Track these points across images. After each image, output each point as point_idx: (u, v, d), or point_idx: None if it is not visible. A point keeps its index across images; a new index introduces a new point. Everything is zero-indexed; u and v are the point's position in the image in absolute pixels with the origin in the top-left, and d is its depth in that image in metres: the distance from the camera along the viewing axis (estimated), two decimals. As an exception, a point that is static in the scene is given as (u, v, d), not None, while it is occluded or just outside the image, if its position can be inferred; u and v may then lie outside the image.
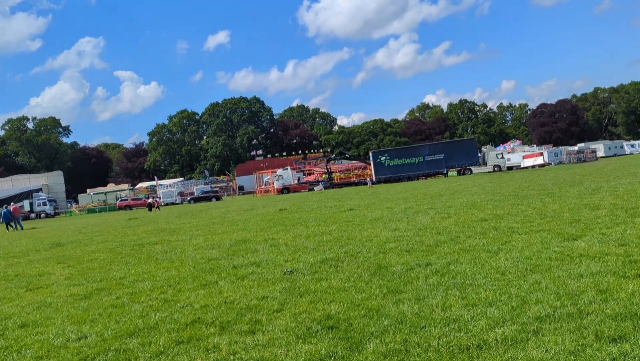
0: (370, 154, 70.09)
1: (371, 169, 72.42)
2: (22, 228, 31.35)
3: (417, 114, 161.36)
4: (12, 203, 40.28)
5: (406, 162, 66.84)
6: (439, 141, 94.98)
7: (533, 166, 68.44)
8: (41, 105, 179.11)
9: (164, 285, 7.37)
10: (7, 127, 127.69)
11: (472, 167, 65.00)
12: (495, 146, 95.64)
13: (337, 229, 12.03)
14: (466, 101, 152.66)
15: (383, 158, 67.43)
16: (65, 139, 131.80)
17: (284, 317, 5.08)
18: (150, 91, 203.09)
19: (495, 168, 64.57)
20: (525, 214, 11.19)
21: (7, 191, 72.44)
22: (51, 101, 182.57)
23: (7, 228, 31.63)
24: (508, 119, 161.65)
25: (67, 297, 7.26)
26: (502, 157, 66.62)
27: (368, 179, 62.80)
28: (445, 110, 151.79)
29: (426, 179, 65.01)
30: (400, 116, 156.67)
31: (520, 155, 76.32)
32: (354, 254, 8.33)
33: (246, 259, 8.96)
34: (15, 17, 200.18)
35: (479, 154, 68.30)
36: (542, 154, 71.85)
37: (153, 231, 18.07)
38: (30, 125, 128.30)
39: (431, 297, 5.28)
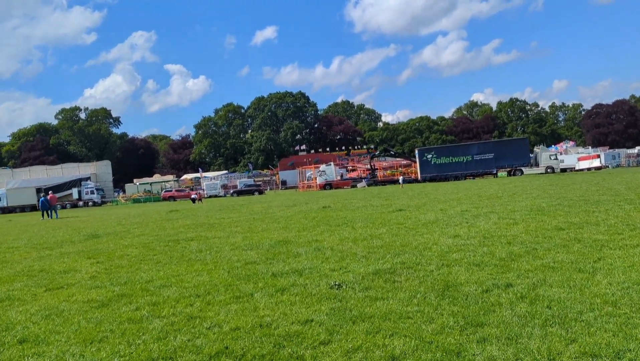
0: (417, 151, 68.11)
1: (415, 167, 70.59)
2: (57, 217, 31.81)
3: (465, 112, 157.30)
4: (50, 192, 41.10)
5: (454, 160, 64.63)
6: (489, 140, 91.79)
7: (589, 169, 64.89)
8: (94, 96, 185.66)
9: (192, 294, 6.38)
10: (60, 117, 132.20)
11: (523, 168, 62.14)
12: (547, 147, 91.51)
13: (387, 233, 10.81)
14: (517, 99, 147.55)
15: (430, 156, 65.40)
16: (115, 130, 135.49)
17: (334, 354, 3.94)
18: (198, 85, 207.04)
19: (548, 170, 61.48)
20: (608, 224, 9.66)
21: (57, 179, 74.49)
22: (104, 92, 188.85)
23: (43, 216, 32.21)
24: (560, 119, 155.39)
25: (83, 303, 6.37)
26: (556, 159, 63.35)
27: (400, 177, 60.78)
28: (494, 108, 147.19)
29: (474, 179, 62.66)
30: (447, 114, 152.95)
31: (575, 157, 72.64)
32: (412, 265, 7.11)
33: (287, 265, 7.89)
34: (72, 10, 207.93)
35: (531, 155, 65.20)
36: (598, 156, 68.12)
37: (191, 225, 17.33)
38: (82, 115, 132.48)
39: (526, 336, 4.03)
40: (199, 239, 12.81)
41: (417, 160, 66.46)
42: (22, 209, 66.16)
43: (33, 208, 66.89)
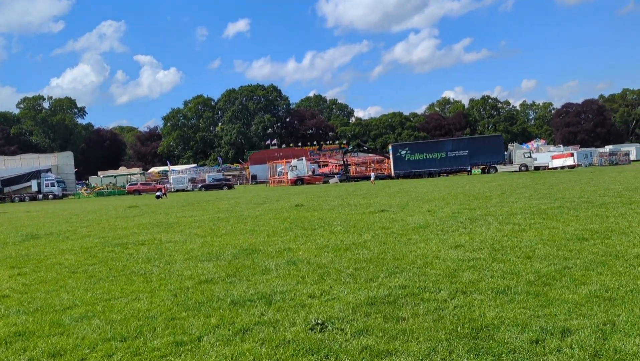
0: (390, 147, 66.94)
1: (389, 163, 69.45)
2: None
3: (437, 109, 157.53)
4: None
5: (428, 157, 63.67)
6: (463, 137, 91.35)
7: (562, 167, 64.86)
8: (61, 86, 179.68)
9: (117, 335, 4.55)
10: (22, 106, 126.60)
11: (497, 166, 61.58)
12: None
13: (374, 241, 9.12)
14: (488, 97, 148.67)
15: (403, 152, 64.28)
16: (80, 120, 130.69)
17: None
18: (169, 77, 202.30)
19: (522, 168, 61.02)
20: (636, 232, 8.18)
21: (16, 170, 70.50)
22: (71, 82, 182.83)
23: None
24: (531, 117, 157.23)
25: (-42, 349, 4.47)
26: (530, 157, 62.91)
27: (372, 173, 59.24)
28: (466, 106, 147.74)
29: (447, 176, 61.88)
30: (419, 111, 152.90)
31: (548, 155, 72.76)
32: (417, 291, 5.43)
33: (252, 286, 6.12)
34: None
35: (505, 153, 64.76)
36: (572, 154, 68.18)
37: (147, 224, 15.34)
38: (46, 105, 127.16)
39: None
40: (150, 244, 10.90)
41: (391, 156, 65.26)
42: (-24, 201, 62.36)
43: (-12, 201, 63.18)
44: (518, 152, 63.44)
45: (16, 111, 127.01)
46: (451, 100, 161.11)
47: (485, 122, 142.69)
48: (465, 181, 34.68)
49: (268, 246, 9.17)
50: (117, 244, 11.20)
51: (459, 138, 75.51)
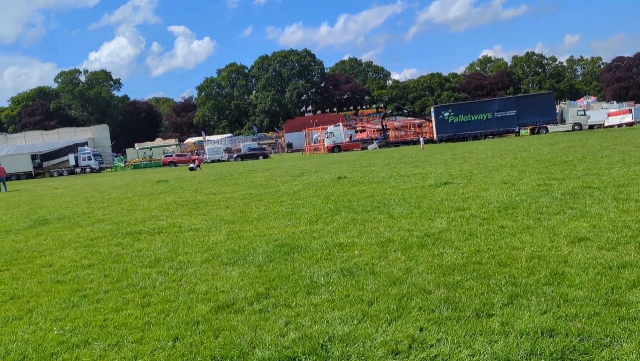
0: (432, 109, 63.44)
1: (431, 126, 66.14)
2: (5, 190, 29.05)
3: (478, 68, 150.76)
4: None
5: (473, 118, 60.10)
6: (511, 96, 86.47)
7: (620, 125, 60.23)
8: (99, 60, 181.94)
9: None
10: (59, 80, 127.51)
11: (547, 126, 57.57)
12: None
13: (453, 230, 6.79)
14: (533, 53, 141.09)
15: (447, 114, 60.83)
16: (116, 93, 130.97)
17: None
18: (203, 46, 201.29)
19: (575, 127, 56.80)
20: None
21: (54, 145, 70.69)
22: (109, 56, 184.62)
23: None
24: (578, 73, 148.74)
25: None
26: (584, 115, 58.41)
27: (421, 137, 55.76)
28: (509, 64, 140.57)
29: (493, 138, 58.40)
30: (458, 71, 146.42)
31: (603, 112, 67.80)
32: (586, 347, 3.13)
33: (293, 321, 3.96)
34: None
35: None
36: (630, 111, 63.14)
37: (171, 204, 13.40)
38: (82, 78, 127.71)
39: None
40: (167, 233, 8.88)
41: (433, 119, 61.96)
42: (18, 176, 62.87)
43: (29, 175, 63.62)
44: (571, 111, 59.03)
45: (54, 86, 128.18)
46: (492, 58, 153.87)
47: (529, 80, 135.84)
48: (521, 142, 31.52)
49: (311, 240, 6.95)
50: (128, 233, 9.25)
51: (507, 97, 71.10)
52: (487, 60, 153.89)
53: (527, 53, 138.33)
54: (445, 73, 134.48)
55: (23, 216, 13.82)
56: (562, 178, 10.86)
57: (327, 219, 8.56)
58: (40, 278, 6.40)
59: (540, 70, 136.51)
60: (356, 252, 6.02)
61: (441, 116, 60.81)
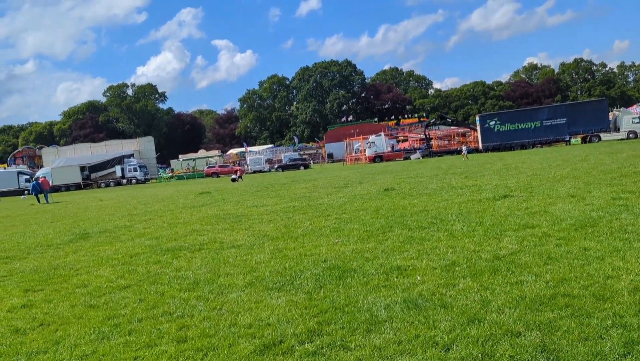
0: (477, 118, 61.70)
1: (475, 136, 64.38)
2: (47, 202, 29.83)
3: (523, 76, 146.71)
4: (41, 175, 39.77)
5: (520, 127, 58.03)
6: (561, 103, 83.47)
7: (680, 134, 56.82)
8: (146, 74, 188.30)
9: None
10: (108, 94, 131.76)
11: (600, 134, 54.95)
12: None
13: (527, 252, 5.95)
14: (581, 59, 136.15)
15: (492, 123, 58.95)
16: (161, 106, 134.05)
17: None
18: (245, 59, 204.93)
19: (630, 135, 53.96)
20: None
21: (102, 156, 72.59)
22: (155, 70, 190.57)
23: (38, 200, 30.38)
24: (630, 80, 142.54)
25: None
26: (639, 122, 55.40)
27: (464, 147, 53.77)
28: (556, 71, 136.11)
29: (542, 147, 56.15)
30: (501, 80, 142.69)
31: (660, 120, 64.24)
32: None
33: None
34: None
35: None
36: (691, 118, 59.51)
37: (212, 218, 12.96)
38: (129, 92, 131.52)
39: None
40: (208, 250, 8.37)
41: (478, 127, 60.19)
42: (67, 187, 64.70)
43: (77, 187, 65.36)
44: (625, 118, 56.15)
45: (103, 100, 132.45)
46: (538, 66, 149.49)
47: (578, 87, 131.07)
48: (576, 151, 29.86)
49: (364, 261, 6.25)
50: (168, 249, 8.79)
51: (556, 105, 68.55)
52: (532, 67, 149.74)
53: (575, 59, 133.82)
54: (488, 81, 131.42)
55: (66, 229, 13.68)
56: (637, 191, 9.77)
57: (379, 236, 7.84)
58: (73, 300, 5.95)
59: (589, 77, 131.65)
60: (418, 278, 5.29)
61: (487, 125, 59.04)
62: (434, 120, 78.10)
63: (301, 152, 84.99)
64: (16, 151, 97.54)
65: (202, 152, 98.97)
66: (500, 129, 58.43)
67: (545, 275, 4.94)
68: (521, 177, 15.48)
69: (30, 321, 5.27)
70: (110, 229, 12.63)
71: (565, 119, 56.41)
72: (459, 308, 4.22)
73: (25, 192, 34.80)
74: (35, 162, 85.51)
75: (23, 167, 76.47)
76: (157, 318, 4.91)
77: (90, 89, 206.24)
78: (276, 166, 65.91)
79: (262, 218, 11.79)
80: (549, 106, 64.67)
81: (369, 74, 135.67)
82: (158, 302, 5.46)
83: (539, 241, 6.48)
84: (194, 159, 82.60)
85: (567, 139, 56.70)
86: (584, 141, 56.32)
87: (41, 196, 30.62)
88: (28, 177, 65.45)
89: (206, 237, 9.83)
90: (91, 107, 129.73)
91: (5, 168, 79.07)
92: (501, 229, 7.46)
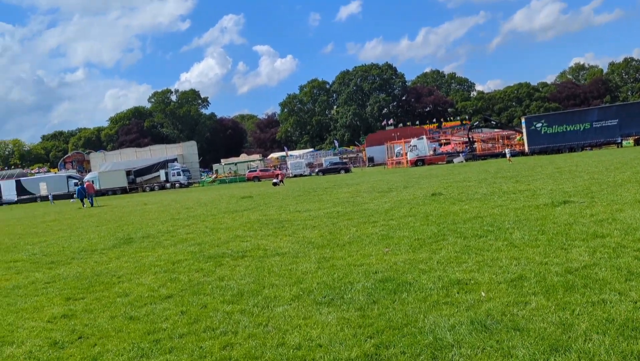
0: (523, 120, 59.87)
1: (522, 137, 62.43)
2: (92, 205, 30.55)
3: (570, 77, 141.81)
4: (86, 180, 41.13)
5: (568, 129, 55.90)
6: (613, 104, 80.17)
7: None
8: (189, 80, 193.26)
9: None
10: (153, 100, 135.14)
11: (655, 136, 52.33)
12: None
13: (605, 265, 5.33)
14: (632, 59, 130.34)
15: (539, 125, 57.07)
16: (204, 111, 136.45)
17: None
18: (286, 64, 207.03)
19: (687, 138, 51.14)
20: None
21: (146, 161, 74.28)
22: (198, 76, 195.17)
23: (83, 204, 31.10)
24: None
25: None
26: (697, 124, 52.42)
27: (507, 150, 51.80)
28: (605, 71, 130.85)
29: (591, 149, 53.89)
30: (546, 81, 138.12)
31: None
32: None
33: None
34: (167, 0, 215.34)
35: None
36: None
37: (255, 223, 12.71)
38: (173, 98, 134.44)
39: None
40: (251, 258, 8.06)
41: (524, 130, 58.35)
42: (114, 191, 66.40)
43: (123, 191, 66.98)
44: (682, 120, 53.23)
45: (148, 105, 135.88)
46: (586, 66, 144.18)
47: (628, 87, 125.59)
48: (632, 154, 28.32)
49: (419, 274, 5.77)
50: (211, 256, 8.54)
51: (607, 106, 65.82)
52: (579, 68, 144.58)
53: (625, 59, 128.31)
54: (533, 83, 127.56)
55: (110, 234, 13.71)
56: None
57: (433, 245, 7.34)
58: (113, 311, 5.73)
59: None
60: (482, 294, 4.78)
61: (533, 127, 57.22)
62: (477, 122, 76.29)
63: (341, 156, 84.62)
64: (66, 156, 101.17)
65: (243, 157, 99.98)
66: (548, 132, 56.49)
67: (631, 293, 4.36)
68: (578, 181, 14.58)
69: (69, 333, 5.05)
70: (153, 234, 12.55)
71: (617, 120, 54.09)
72: (536, 332, 3.71)
73: (74, 195, 35.95)
74: (83, 166, 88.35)
75: (72, 172, 79.06)
76: (200, 333, 4.59)
77: (137, 96, 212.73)
78: (317, 170, 65.75)
79: (306, 224, 11.44)
80: (599, 107, 62.12)
81: (409, 77, 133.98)
82: (200, 315, 5.15)
83: (614, 253, 5.84)
84: (236, 164, 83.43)
85: (619, 141, 54.24)
86: (636, 143, 53.76)
87: (86, 201, 31.45)
88: (77, 181, 67.66)
89: (249, 243, 9.55)
90: (137, 113, 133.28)
91: (55, 173, 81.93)
92: (567, 238, 6.83)
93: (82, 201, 31.43)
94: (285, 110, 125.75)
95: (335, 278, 6.03)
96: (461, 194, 14.43)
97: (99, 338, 4.81)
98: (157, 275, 7.55)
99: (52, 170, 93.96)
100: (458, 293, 4.91)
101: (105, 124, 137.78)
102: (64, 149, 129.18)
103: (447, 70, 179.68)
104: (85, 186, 32.16)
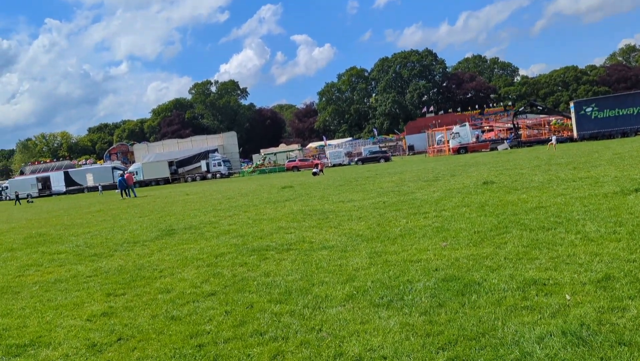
0: (572, 105, 57.38)
1: (569, 123, 59.91)
2: (135, 196, 30.99)
3: (620, 59, 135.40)
4: (126, 171, 41.89)
5: (621, 113, 53.28)
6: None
7: None
8: (229, 72, 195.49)
9: None
10: (193, 92, 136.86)
11: None
12: None
13: None
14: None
15: (589, 109, 54.53)
16: (243, 101, 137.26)
17: None
18: (324, 53, 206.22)
19: None
20: None
21: (188, 152, 75.29)
22: (237, 67, 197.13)
23: (122, 195, 31.51)
24: None
25: None
26: None
27: (553, 136, 49.03)
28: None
29: (646, 135, 51.19)
30: (595, 64, 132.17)
31: None
32: None
33: None
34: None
35: None
36: None
37: (298, 213, 12.28)
38: (213, 89, 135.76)
39: None
40: (297, 251, 7.62)
41: (573, 115, 55.91)
42: (157, 182, 67.59)
43: (166, 181, 68.09)
44: None
45: (189, 97, 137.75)
46: (637, 47, 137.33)
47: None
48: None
49: (488, 272, 5.16)
50: (255, 249, 8.14)
51: (664, 88, 62.35)
52: (630, 49, 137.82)
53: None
54: (580, 66, 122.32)
55: (152, 225, 13.57)
56: None
57: (495, 239, 6.69)
58: (154, 309, 5.37)
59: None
60: (568, 297, 4.15)
61: (582, 112, 54.75)
62: (522, 108, 73.73)
63: (381, 145, 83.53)
64: (111, 147, 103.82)
65: (282, 147, 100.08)
66: (598, 116, 53.95)
67: None
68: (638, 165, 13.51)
69: (108, 334, 4.71)
70: (195, 225, 12.30)
71: (675, 102, 51.13)
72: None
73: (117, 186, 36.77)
74: (128, 158, 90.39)
75: (117, 163, 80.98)
76: (246, 338, 4.15)
77: (178, 87, 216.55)
78: (356, 159, 65.09)
79: (351, 215, 10.92)
80: (656, 89, 58.88)
81: (450, 63, 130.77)
82: (246, 317, 4.72)
83: None
84: (275, 153, 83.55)
85: (677, 126, 51.36)
86: (694, 128, 50.87)
87: (130, 192, 31.94)
88: (122, 172, 69.26)
89: (294, 235, 9.11)
90: (178, 105, 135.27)
91: (101, 164, 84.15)
92: (653, 232, 6.07)
93: (122, 191, 31.96)
94: (324, 99, 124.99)
95: (392, 275, 5.49)
96: (515, 182, 13.57)
97: (139, 340, 4.45)
98: (200, 269, 7.21)
99: (98, 161, 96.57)
100: (537, 295, 4.29)
101: (148, 115, 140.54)
102: (109, 140, 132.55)
103: (489, 55, 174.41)
104: (125, 177, 32.64)
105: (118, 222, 15.53)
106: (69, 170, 73.94)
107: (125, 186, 31.80)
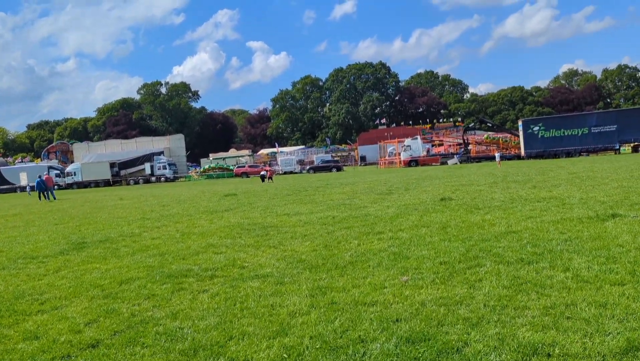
0: (520, 123, 58.43)
1: (514, 142, 61.14)
2: (54, 198, 29.29)
3: (563, 82, 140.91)
4: (45, 173, 39.92)
5: (566, 133, 54.50)
6: (612, 109, 79.22)
7: None
8: (182, 74, 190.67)
9: None
10: (142, 92, 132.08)
11: (652, 143, 51.18)
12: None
13: None
14: (626, 66, 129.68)
15: (536, 128, 55.62)
16: (194, 104, 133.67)
17: None
18: (279, 61, 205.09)
19: (685, 145, 50.01)
20: None
21: (132, 153, 71.71)
22: (191, 70, 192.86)
23: (40, 198, 29.84)
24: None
25: None
26: (695, 133, 51.30)
27: (497, 153, 49.32)
28: (598, 77, 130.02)
29: (588, 155, 52.56)
30: (538, 86, 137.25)
31: None
32: None
33: None
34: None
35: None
36: None
37: (235, 227, 10.71)
38: (163, 90, 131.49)
39: None
40: (223, 280, 6.09)
41: (521, 133, 56.83)
42: (97, 184, 64.01)
43: (107, 183, 64.51)
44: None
45: (137, 97, 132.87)
46: (579, 72, 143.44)
47: (621, 94, 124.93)
48: (635, 160, 26.68)
49: (469, 328, 3.81)
50: (171, 275, 6.55)
51: (606, 111, 64.64)
52: (573, 73, 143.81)
53: (619, 66, 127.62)
54: (526, 87, 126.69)
55: (64, 235, 11.63)
56: None
57: (467, 273, 5.39)
58: (0, 371, 3.73)
59: (634, 84, 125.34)
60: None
61: (530, 130, 55.75)
62: (472, 124, 74.80)
63: (333, 155, 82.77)
64: (50, 145, 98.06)
65: (232, 152, 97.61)
66: (545, 135, 55.01)
67: None
68: (607, 189, 12.74)
69: None
70: (112, 238, 10.51)
71: (616, 126, 52.83)
72: None
73: (33, 187, 34.25)
74: (67, 157, 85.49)
75: (54, 162, 76.31)
76: None
77: (128, 88, 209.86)
78: (308, 168, 63.89)
79: (295, 232, 9.46)
80: (597, 112, 60.88)
81: (403, 77, 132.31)
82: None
83: None
84: (224, 158, 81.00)
85: (617, 147, 52.94)
86: (635, 150, 52.61)
87: (42, 195, 29.74)
88: (58, 172, 64.99)
89: (223, 257, 7.57)
90: (125, 105, 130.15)
91: (37, 163, 79.16)
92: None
93: (40, 194, 29.69)
94: (277, 106, 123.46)
95: (338, 327, 4.06)
96: (475, 200, 12.51)
97: None
98: (93, 302, 5.56)
99: (36, 160, 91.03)
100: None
101: (93, 114, 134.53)
102: (49, 139, 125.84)
103: (440, 72, 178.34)
104: (44, 179, 30.30)
105: (28, 229, 13.45)
106: (1, 168, 68.87)
107: (44, 188, 29.51)
